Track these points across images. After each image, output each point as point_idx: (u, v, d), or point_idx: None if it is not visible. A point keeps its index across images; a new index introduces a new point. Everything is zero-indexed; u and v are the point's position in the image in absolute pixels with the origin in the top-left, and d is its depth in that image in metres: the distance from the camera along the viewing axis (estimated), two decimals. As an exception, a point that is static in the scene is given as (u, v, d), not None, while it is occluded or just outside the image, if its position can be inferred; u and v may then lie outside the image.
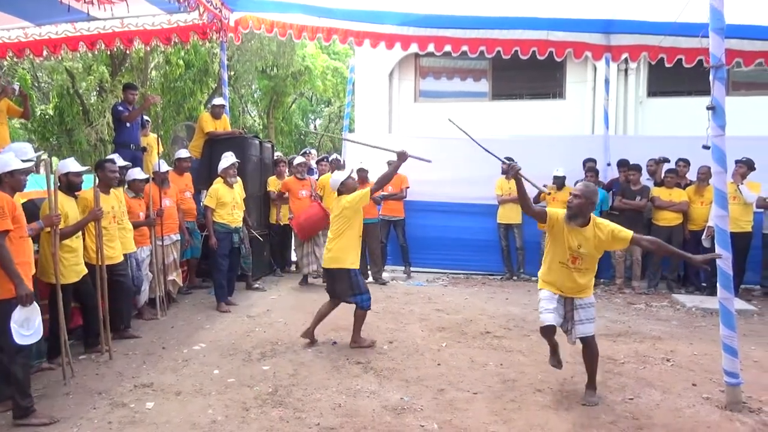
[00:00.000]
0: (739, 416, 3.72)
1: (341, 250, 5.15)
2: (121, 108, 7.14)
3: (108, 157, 5.97)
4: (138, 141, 7.30)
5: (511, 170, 4.04)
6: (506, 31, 8.19)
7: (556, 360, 4.26)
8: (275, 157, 9.21)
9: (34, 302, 3.65)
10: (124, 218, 5.60)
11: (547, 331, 4.01)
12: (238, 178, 7.49)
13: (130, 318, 5.69)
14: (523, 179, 4.09)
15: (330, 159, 8.94)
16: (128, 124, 7.11)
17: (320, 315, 5.32)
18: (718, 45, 3.83)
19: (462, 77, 12.68)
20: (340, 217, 5.20)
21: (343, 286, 5.20)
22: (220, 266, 6.69)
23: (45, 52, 8.64)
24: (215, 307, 6.66)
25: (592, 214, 3.90)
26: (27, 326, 3.61)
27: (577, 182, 8.28)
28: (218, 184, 6.74)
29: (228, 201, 6.67)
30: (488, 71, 12.25)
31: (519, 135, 9.75)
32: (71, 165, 4.83)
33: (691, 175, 7.92)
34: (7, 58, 8.59)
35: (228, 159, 6.84)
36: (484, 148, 4.79)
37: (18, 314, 3.58)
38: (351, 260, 5.18)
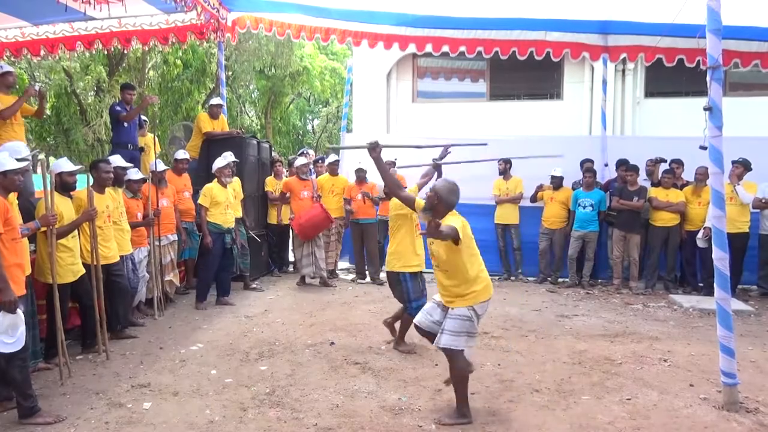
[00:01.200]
0: (736, 416, 3.73)
1: (391, 253, 5.06)
2: (118, 108, 7.13)
3: (108, 158, 5.95)
4: (135, 141, 7.28)
5: (372, 150, 4.04)
6: (504, 31, 8.20)
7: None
8: (272, 158, 9.21)
9: (18, 310, 3.57)
10: (122, 219, 5.60)
11: (418, 331, 3.97)
12: (237, 179, 7.51)
13: (127, 318, 5.67)
14: (381, 160, 4.17)
15: (328, 160, 8.91)
16: (125, 124, 7.10)
17: (395, 319, 5.25)
18: (715, 46, 3.84)
19: (460, 78, 12.68)
20: (390, 219, 5.14)
21: (395, 290, 5.13)
22: (209, 265, 6.69)
23: (42, 52, 8.62)
24: (213, 305, 6.68)
25: (450, 213, 3.62)
26: (10, 334, 3.53)
27: (574, 183, 8.38)
28: (212, 184, 6.74)
29: (221, 201, 6.67)
30: (486, 72, 12.25)
31: (517, 135, 9.75)
32: (64, 165, 4.82)
33: (688, 175, 7.94)
34: (5, 57, 8.55)
35: (224, 158, 6.84)
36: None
37: (0, 320, 3.51)
38: (402, 263, 5.00)
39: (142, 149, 7.37)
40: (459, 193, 3.68)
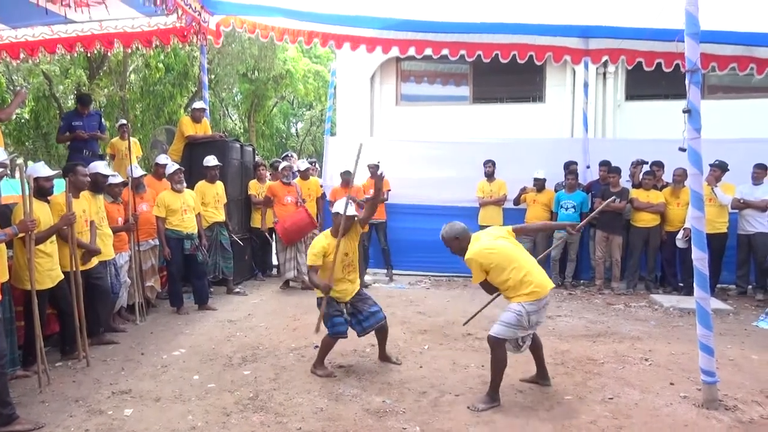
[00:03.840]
0: (716, 414, 3.78)
1: None
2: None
3: (93, 163, 5.85)
4: (93, 148, 7.44)
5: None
6: (486, 35, 8.25)
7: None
8: (255, 161, 9.17)
9: None
10: (103, 223, 5.53)
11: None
12: (220, 182, 7.49)
13: (108, 323, 5.60)
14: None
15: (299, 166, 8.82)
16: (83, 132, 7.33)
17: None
18: (693, 49, 3.90)
19: (443, 81, 12.76)
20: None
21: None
22: (174, 273, 6.66)
23: (22, 55, 8.51)
24: (195, 310, 6.64)
25: (473, 240, 4.12)
26: None
27: (556, 185, 8.45)
28: (164, 192, 6.68)
29: (177, 207, 6.59)
30: (469, 75, 12.34)
31: (500, 138, 9.83)
32: (41, 170, 4.72)
33: (668, 176, 8.04)
34: (-18, 60, 8.43)
35: (172, 165, 6.86)
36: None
37: None
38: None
39: (101, 156, 7.36)
40: (458, 224, 4.19)
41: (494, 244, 4.03)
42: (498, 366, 3.94)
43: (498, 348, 3.92)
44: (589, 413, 3.83)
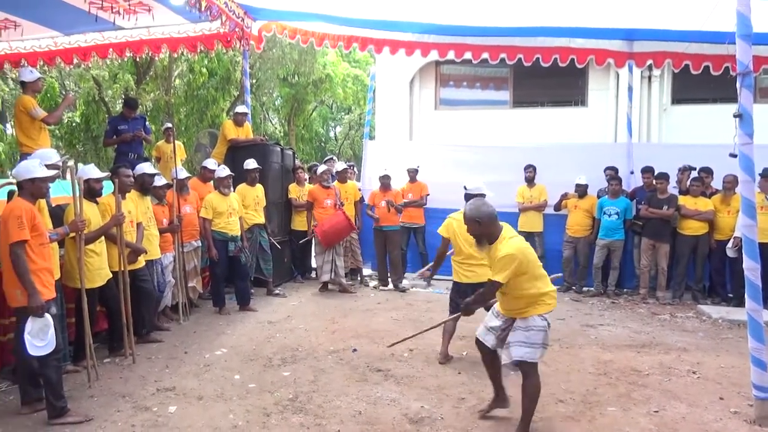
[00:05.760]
0: (769, 431, 3.64)
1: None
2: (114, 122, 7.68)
3: (138, 165, 6.05)
4: (138, 151, 7.62)
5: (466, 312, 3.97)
6: (527, 38, 8.16)
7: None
8: (295, 164, 9.28)
9: (47, 314, 3.66)
10: (150, 224, 5.69)
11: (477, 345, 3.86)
12: (260, 185, 7.62)
13: (152, 323, 5.75)
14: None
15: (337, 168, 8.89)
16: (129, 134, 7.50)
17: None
18: (745, 52, 3.78)
19: (483, 85, 12.67)
20: None
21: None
22: (218, 274, 6.82)
23: (75, 60, 8.86)
24: (237, 311, 6.79)
25: (506, 237, 3.53)
26: (40, 337, 3.62)
27: (599, 190, 8.28)
28: (212, 194, 6.84)
29: (223, 210, 6.75)
30: (509, 79, 12.22)
31: (540, 143, 9.69)
32: (91, 171, 4.89)
33: (717, 183, 7.78)
34: (38, 66, 8.78)
35: (223, 170, 6.99)
36: None
37: (31, 325, 3.60)
38: None
39: (146, 159, 7.55)
40: (488, 204, 3.62)
41: (528, 244, 3.61)
42: (535, 394, 3.50)
43: (533, 374, 3.49)
44: (634, 426, 3.73)
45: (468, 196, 4.72)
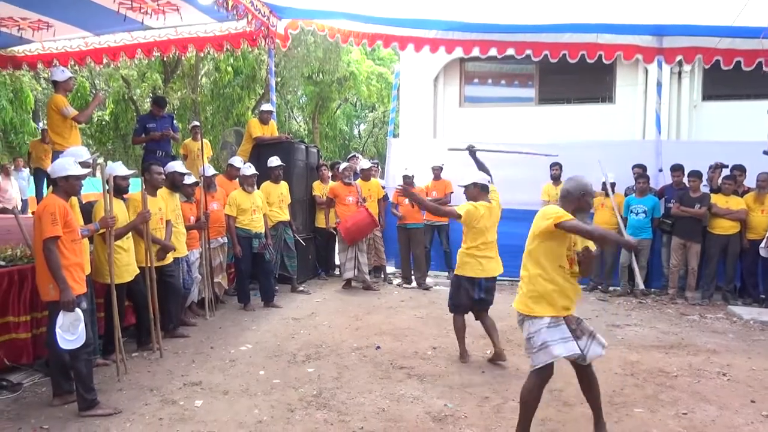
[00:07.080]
0: (803, 436, 3.54)
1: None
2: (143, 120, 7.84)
3: (169, 162, 6.15)
4: (167, 149, 7.74)
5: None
6: (554, 34, 8.06)
7: None
8: (318, 162, 9.33)
9: (78, 308, 3.74)
10: (178, 221, 5.77)
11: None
12: (284, 183, 7.67)
13: (179, 318, 5.84)
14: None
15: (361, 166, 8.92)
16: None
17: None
18: (780, 46, 3.67)
19: (508, 82, 12.56)
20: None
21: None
22: (242, 270, 6.89)
23: (105, 60, 9.04)
24: (261, 307, 6.86)
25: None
26: (71, 331, 3.70)
27: (627, 188, 8.13)
28: (236, 192, 6.90)
29: (247, 207, 6.80)
30: (535, 75, 12.08)
31: (567, 140, 9.56)
32: (118, 169, 4.96)
33: (750, 181, 7.59)
34: (69, 66, 8.99)
35: (249, 168, 7.05)
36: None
37: (62, 319, 3.68)
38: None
39: (174, 156, 7.65)
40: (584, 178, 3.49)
41: None
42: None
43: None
44: (662, 427, 3.67)
45: (477, 187, 5.17)
